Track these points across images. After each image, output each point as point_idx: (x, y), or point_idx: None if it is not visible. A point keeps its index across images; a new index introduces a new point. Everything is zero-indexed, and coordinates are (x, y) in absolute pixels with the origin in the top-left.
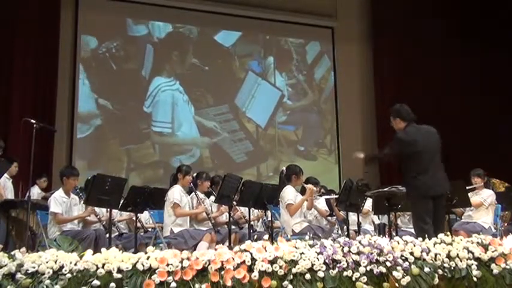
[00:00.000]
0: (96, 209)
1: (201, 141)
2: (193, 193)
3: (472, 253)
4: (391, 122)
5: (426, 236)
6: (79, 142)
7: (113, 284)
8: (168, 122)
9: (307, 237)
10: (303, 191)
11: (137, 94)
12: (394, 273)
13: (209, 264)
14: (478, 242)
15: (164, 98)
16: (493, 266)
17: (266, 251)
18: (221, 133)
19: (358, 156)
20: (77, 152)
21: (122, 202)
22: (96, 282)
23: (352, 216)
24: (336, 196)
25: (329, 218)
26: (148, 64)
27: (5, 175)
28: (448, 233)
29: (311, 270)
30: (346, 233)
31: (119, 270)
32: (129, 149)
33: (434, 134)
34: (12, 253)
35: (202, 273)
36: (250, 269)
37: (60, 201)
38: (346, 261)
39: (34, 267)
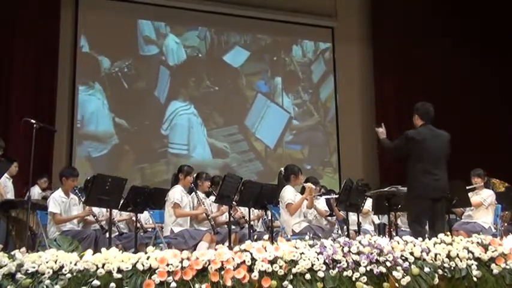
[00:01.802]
0: (96, 209)
1: (214, 163)
2: (193, 193)
3: (472, 253)
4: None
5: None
6: (95, 160)
7: (113, 284)
8: (184, 144)
9: (307, 237)
10: (302, 191)
11: (150, 113)
12: (394, 273)
13: (209, 264)
14: (478, 242)
15: (181, 122)
16: (493, 266)
17: (266, 251)
18: (231, 154)
19: (378, 131)
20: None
21: (122, 202)
22: (96, 282)
23: (352, 216)
24: (336, 196)
25: (329, 218)
26: (164, 88)
27: (5, 175)
28: (448, 233)
29: (311, 270)
30: (346, 233)
31: (119, 270)
32: (143, 167)
33: (444, 138)
34: (12, 253)
35: (202, 273)
36: (250, 269)
37: (59, 202)
38: (346, 261)
39: (34, 267)
